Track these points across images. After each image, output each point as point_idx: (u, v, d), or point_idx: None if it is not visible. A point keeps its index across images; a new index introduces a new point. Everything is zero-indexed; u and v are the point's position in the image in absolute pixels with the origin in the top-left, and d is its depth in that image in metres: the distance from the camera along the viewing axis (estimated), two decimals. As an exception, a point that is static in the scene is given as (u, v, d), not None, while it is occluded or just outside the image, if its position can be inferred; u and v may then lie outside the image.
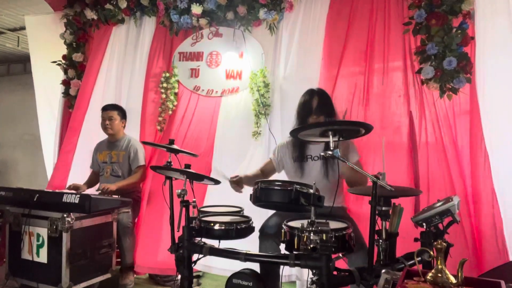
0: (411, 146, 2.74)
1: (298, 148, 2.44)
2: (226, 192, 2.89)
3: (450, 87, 2.59)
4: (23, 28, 5.26)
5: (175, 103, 3.49)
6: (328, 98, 2.47)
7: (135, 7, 3.64)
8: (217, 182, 2.18)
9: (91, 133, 3.62)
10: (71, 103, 3.91)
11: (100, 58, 3.79)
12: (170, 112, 3.48)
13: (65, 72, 3.96)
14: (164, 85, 3.49)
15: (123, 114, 3.36)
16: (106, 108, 3.31)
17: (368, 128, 1.79)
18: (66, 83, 3.96)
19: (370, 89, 2.87)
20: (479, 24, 2.54)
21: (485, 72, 2.50)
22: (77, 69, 3.91)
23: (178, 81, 3.50)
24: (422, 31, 2.66)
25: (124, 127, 3.39)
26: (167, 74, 3.50)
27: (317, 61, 3.05)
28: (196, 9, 3.31)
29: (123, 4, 3.62)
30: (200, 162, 3.26)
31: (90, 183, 3.42)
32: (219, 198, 2.79)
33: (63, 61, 3.98)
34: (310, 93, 2.43)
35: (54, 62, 3.99)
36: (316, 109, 2.36)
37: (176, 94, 3.50)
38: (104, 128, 3.32)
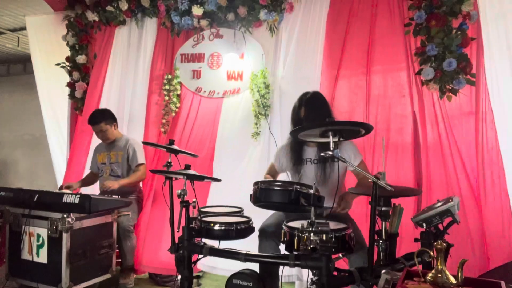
0: (415, 146, 2.74)
1: (296, 151, 2.43)
2: (229, 192, 2.93)
3: (450, 88, 2.60)
4: (23, 28, 5.27)
5: (178, 105, 3.50)
6: (319, 103, 2.40)
7: (136, 9, 3.64)
8: (217, 180, 2.19)
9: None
10: (78, 105, 3.93)
11: (106, 61, 3.81)
12: (174, 114, 3.49)
13: (70, 74, 3.97)
14: (167, 87, 3.50)
15: (109, 118, 3.30)
16: (91, 123, 3.26)
17: (368, 129, 1.79)
18: (71, 85, 3.96)
19: (371, 90, 2.88)
20: (486, 25, 2.54)
21: (496, 73, 2.50)
22: (81, 71, 3.91)
23: (180, 83, 3.51)
24: (422, 32, 2.67)
25: (117, 127, 3.37)
26: (169, 76, 3.51)
27: (317, 62, 3.05)
28: (197, 10, 3.31)
29: (124, 6, 3.62)
30: (203, 163, 3.31)
31: (84, 182, 3.43)
32: (222, 198, 2.80)
33: (67, 63, 3.98)
34: (300, 100, 2.41)
35: (58, 64, 4.00)
36: (305, 119, 2.33)
37: (178, 96, 3.51)
38: (101, 140, 3.34)
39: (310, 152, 2.40)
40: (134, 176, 3.22)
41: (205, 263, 3.23)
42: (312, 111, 2.34)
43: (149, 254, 3.20)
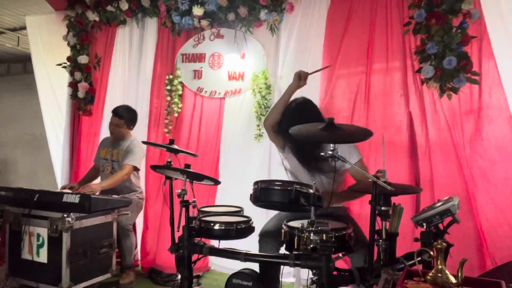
0: (411, 146, 2.74)
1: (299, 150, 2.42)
2: (235, 193, 2.93)
3: (450, 86, 2.59)
4: (23, 28, 5.26)
5: (180, 105, 3.50)
6: (309, 110, 2.36)
7: (137, 9, 3.64)
8: (217, 182, 2.18)
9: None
10: (80, 105, 3.93)
11: (108, 62, 3.83)
12: (176, 114, 3.50)
13: (71, 74, 3.96)
14: (168, 87, 3.50)
15: (131, 121, 3.29)
16: (115, 114, 3.23)
17: (367, 137, 1.80)
18: (73, 85, 3.96)
19: (370, 89, 2.88)
20: (489, 21, 2.53)
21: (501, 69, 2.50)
22: (83, 71, 3.90)
23: (181, 83, 3.51)
24: (422, 30, 2.66)
25: (131, 130, 3.35)
26: (171, 76, 3.51)
27: (318, 62, 3.04)
28: (197, 10, 3.31)
29: (125, 6, 3.62)
30: (209, 165, 3.35)
31: (86, 179, 3.39)
32: (229, 199, 2.80)
33: (68, 63, 3.98)
34: (290, 107, 2.34)
35: (59, 64, 4.00)
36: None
37: (180, 96, 3.51)
38: (109, 130, 3.32)
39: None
40: (115, 175, 3.10)
41: (215, 262, 3.32)
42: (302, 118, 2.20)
43: (164, 254, 3.19)
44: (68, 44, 3.95)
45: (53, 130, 4.24)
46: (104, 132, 3.64)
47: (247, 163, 3.27)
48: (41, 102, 4.25)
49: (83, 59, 3.87)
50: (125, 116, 3.23)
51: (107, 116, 3.59)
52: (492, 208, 2.48)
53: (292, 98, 2.39)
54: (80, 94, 3.89)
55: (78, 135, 4.00)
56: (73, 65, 3.94)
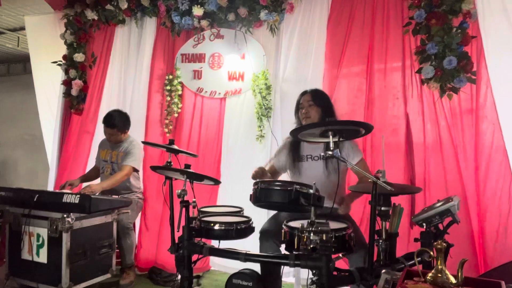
0: (408, 147, 2.73)
1: (296, 148, 2.43)
2: (237, 195, 2.94)
3: (451, 86, 2.59)
4: (23, 28, 5.26)
5: (180, 105, 3.50)
6: (323, 94, 2.53)
7: (136, 8, 3.64)
8: (217, 182, 2.19)
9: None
10: (73, 104, 3.92)
11: (107, 61, 3.82)
12: (176, 114, 3.49)
13: (66, 72, 3.96)
14: (168, 87, 3.49)
15: (124, 126, 3.26)
16: (106, 125, 3.21)
17: (368, 128, 1.79)
18: (67, 83, 3.95)
19: (370, 90, 2.88)
20: (485, 21, 2.53)
21: (497, 69, 2.50)
22: (78, 69, 3.90)
23: (181, 83, 3.50)
24: (422, 31, 2.66)
25: (127, 133, 3.35)
26: (171, 76, 3.50)
27: (318, 63, 3.05)
28: (197, 10, 3.31)
29: (124, 5, 3.62)
30: (211, 166, 3.36)
31: (85, 177, 3.38)
32: (231, 200, 2.80)
33: (64, 61, 3.97)
34: (303, 91, 2.50)
35: (55, 62, 3.99)
36: (308, 99, 2.41)
37: (180, 96, 3.50)
38: (107, 138, 3.31)
39: (311, 149, 2.39)
40: (115, 176, 3.10)
41: (216, 262, 3.32)
42: (316, 96, 2.43)
43: (164, 254, 3.18)
44: (65, 42, 3.94)
45: (49, 129, 4.22)
46: (101, 131, 3.63)
47: (249, 163, 3.25)
48: (38, 102, 4.24)
49: (79, 57, 3.86)
50: (117, 125, 3.21)
51: (103, 115, 3.59)
52: (492, 208, 2.48)
53: (306, 89, 2.52)
54: (74, 91, 3.87)
55: (68, 133, 3.94)
56: (69, 63, 3.93)
